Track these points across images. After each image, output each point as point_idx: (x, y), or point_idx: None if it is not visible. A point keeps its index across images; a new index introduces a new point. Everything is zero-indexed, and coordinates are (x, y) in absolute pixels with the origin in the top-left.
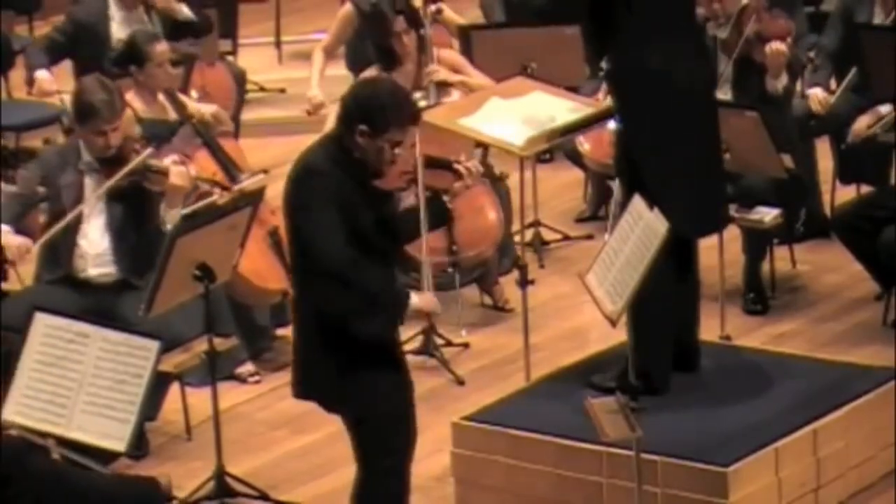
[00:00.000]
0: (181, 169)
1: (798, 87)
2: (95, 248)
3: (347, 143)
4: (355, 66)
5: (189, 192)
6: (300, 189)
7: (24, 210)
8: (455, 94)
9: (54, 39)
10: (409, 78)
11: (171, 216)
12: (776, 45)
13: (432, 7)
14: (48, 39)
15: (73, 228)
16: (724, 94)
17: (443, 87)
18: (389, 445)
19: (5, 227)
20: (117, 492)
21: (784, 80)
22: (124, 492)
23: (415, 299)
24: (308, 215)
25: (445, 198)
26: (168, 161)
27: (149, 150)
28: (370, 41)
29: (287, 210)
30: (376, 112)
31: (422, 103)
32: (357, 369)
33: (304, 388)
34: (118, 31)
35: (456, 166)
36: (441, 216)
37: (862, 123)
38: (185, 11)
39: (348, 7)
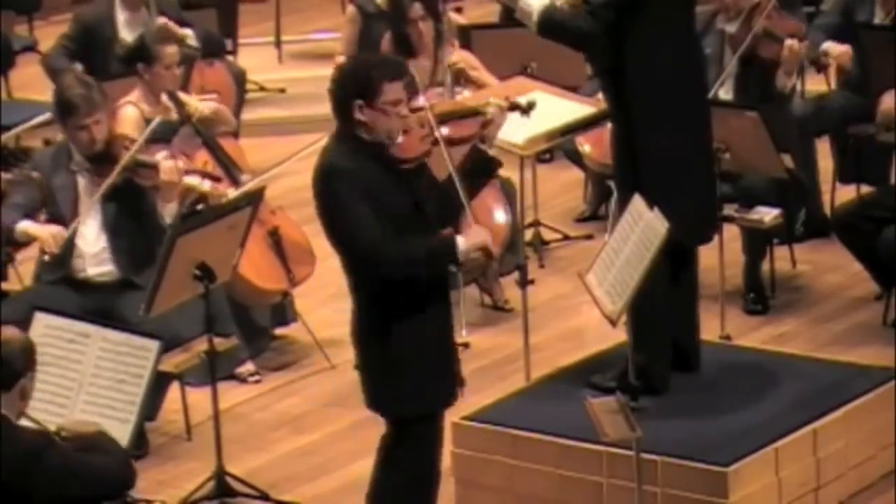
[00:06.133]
0: (170, 163)
1: (798, 87)
2: (92, 248)
3: (354, 130)
4: None
5: (179, 184)
6: (327, 191)
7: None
8: (465, 93)
9: (67, 47)
10: (425, 73)
11: (168, 210)
12: (793, 43)
13: (450, 4)
14: (62, 47)
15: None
16: (726, 90)
17: (457, 81)
18: (425, 447)
19: (27, 223)
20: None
21: (794, 77)
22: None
23: (461, 242)
24: (335, 219)
25: (483, 146)
26: (158, 156)
27: (137, 144)
28: (387, 30)
29: (319, 212)
30: (361, 79)
31: (436, 99)
32: (395, 370)
33: (367, 401)
34: (123, 32)
35: (485, 109)
36: (488, 168)
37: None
38: (191, 40)
39: (352, 9)
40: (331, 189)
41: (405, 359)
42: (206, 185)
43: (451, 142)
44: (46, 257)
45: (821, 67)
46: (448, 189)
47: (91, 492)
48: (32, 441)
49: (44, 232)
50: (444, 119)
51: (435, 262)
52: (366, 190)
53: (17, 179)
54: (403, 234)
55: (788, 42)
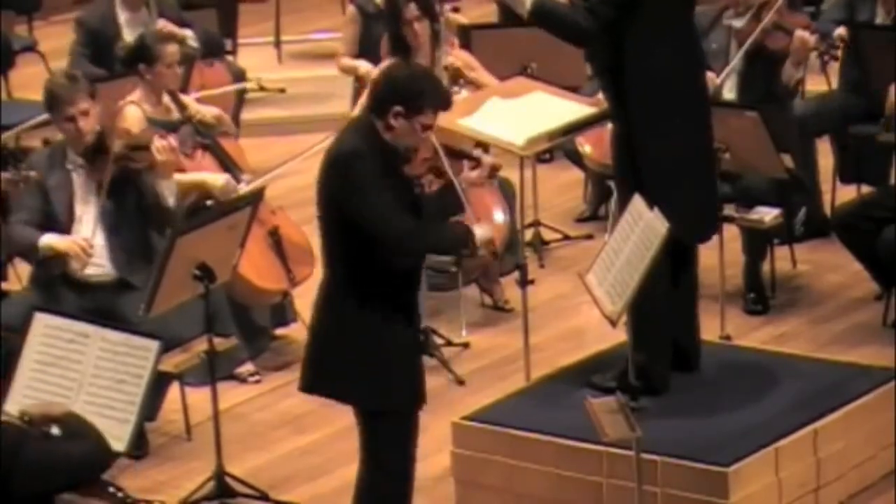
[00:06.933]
0: (163, 142)
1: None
2: None
3: (378, 128)
4: None
5: (176, 161)
6: (346, 175)
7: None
8: (463, 93)
9: (83, 53)
10: None
11: (167, 187)
12: (804, 34)
13: (448, 5)
14: (79, 54)
15: (66, 228)
16: (730, 87)
17: (454, 81)
18: (401, 443)
19: (49, 237)
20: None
21: (801, 71)
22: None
23: (477, 231)
24: (362, 199)
25: (458, 189)
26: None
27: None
28: (386, 30)
29: (331, 197)
30: (413, 92)
31: None
32: (373, 360)
33: (311, 382)
34: (124, 32)
35: (476, 155)
36: (455, 206)
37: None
38: (191, 41)
39: (352, 9)
40: (351, 171)
41: (392, 354)
42: (221, 181)
43: (437, 172)
44: (80, 269)
45: (828, 59)
46: (427, 204)
47: (73, 481)
48: (8, 438)
49: (72, 246)
50: (447, 152)
51: (455, 245)
52: (382, 176)
53: (14, 179)
54: None
55: (799, 33)
